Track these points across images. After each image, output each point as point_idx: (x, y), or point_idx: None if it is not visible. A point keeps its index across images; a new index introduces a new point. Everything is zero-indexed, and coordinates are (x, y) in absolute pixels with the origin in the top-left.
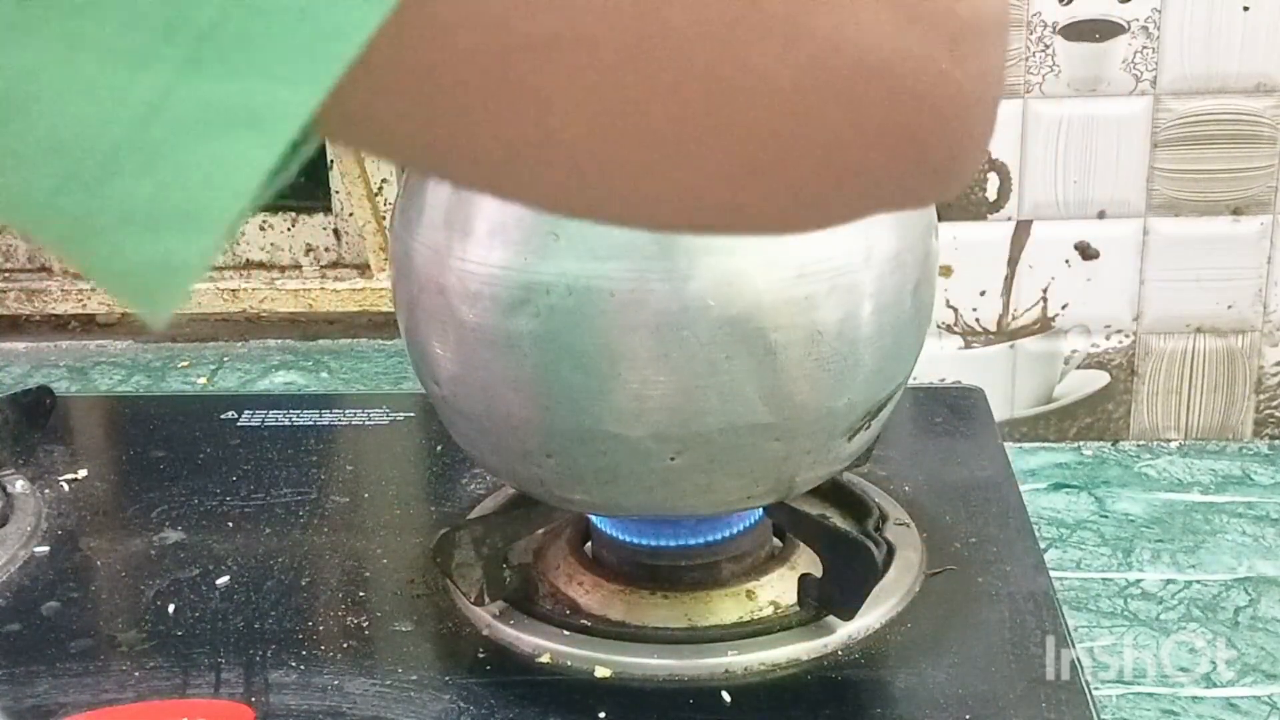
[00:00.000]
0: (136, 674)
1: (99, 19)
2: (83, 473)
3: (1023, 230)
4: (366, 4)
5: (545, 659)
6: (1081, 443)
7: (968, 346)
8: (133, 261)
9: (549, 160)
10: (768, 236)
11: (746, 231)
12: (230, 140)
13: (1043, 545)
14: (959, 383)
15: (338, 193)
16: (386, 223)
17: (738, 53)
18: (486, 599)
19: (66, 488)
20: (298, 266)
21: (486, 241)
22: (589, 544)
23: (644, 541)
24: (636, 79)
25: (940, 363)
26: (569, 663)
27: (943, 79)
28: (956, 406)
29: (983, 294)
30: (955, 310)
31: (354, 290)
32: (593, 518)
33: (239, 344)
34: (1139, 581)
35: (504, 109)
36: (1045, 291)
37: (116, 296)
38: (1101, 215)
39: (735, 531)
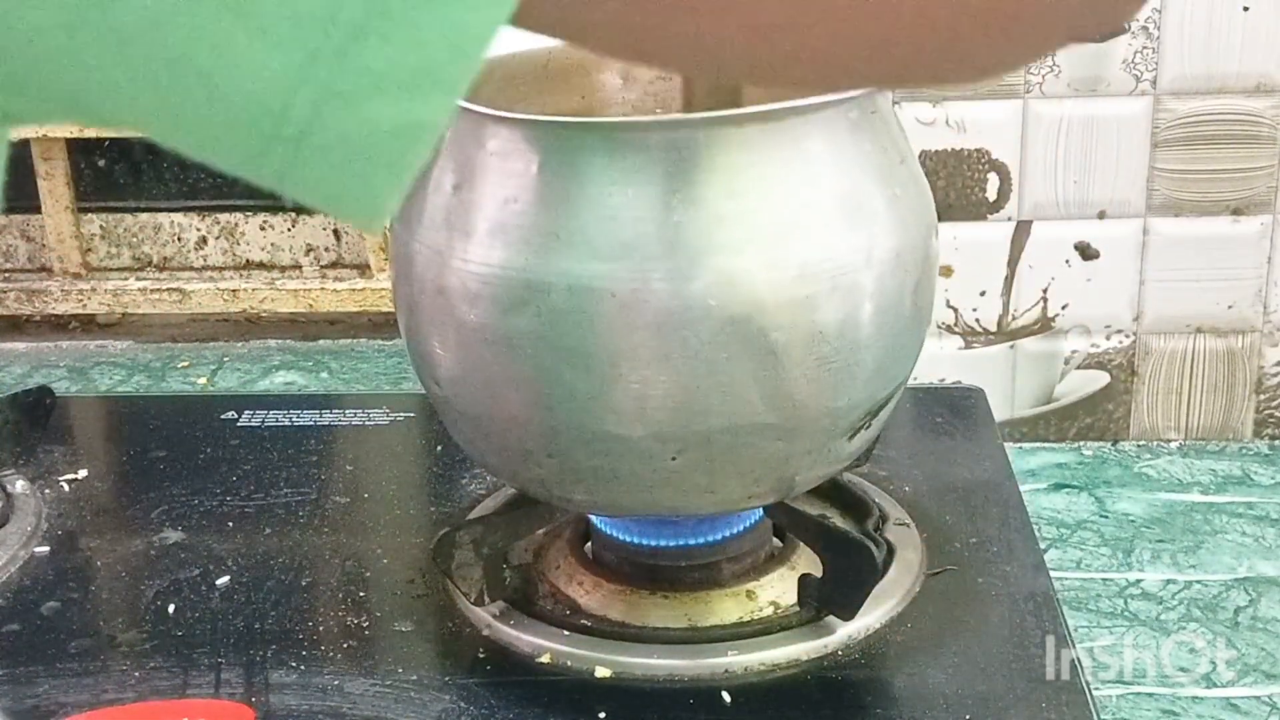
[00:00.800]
0: (136, 674)
1: None
2: (83, 473)
3: (1023, 230)
4: None
5: (545, 659)
6: (1081, 443)
7: (968, 346)
8: (373, 135)
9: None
10: (983, 80)
11: (966, 79)
12: (460, 4)
13: (1043, 545)
14: (959, 383)
15: None
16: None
17: None
18: (487, 599)
19: (66, 488)
20: (298, 266)
21: (487, 241)
22: (589, 544)
23: (644, 541)
24: None
25: (940, 363)
26: (569, 663)
27: None
28: (956, 406)
29: (983, 294)
30: (955, 310)
31: (354, 290)
32: (593, 518)
33: (239, 344)
34: (1139, 582)
35: None
36: (1045, 291)
37: (338, 190)
38: (1102, 215)
39: (735, 532)
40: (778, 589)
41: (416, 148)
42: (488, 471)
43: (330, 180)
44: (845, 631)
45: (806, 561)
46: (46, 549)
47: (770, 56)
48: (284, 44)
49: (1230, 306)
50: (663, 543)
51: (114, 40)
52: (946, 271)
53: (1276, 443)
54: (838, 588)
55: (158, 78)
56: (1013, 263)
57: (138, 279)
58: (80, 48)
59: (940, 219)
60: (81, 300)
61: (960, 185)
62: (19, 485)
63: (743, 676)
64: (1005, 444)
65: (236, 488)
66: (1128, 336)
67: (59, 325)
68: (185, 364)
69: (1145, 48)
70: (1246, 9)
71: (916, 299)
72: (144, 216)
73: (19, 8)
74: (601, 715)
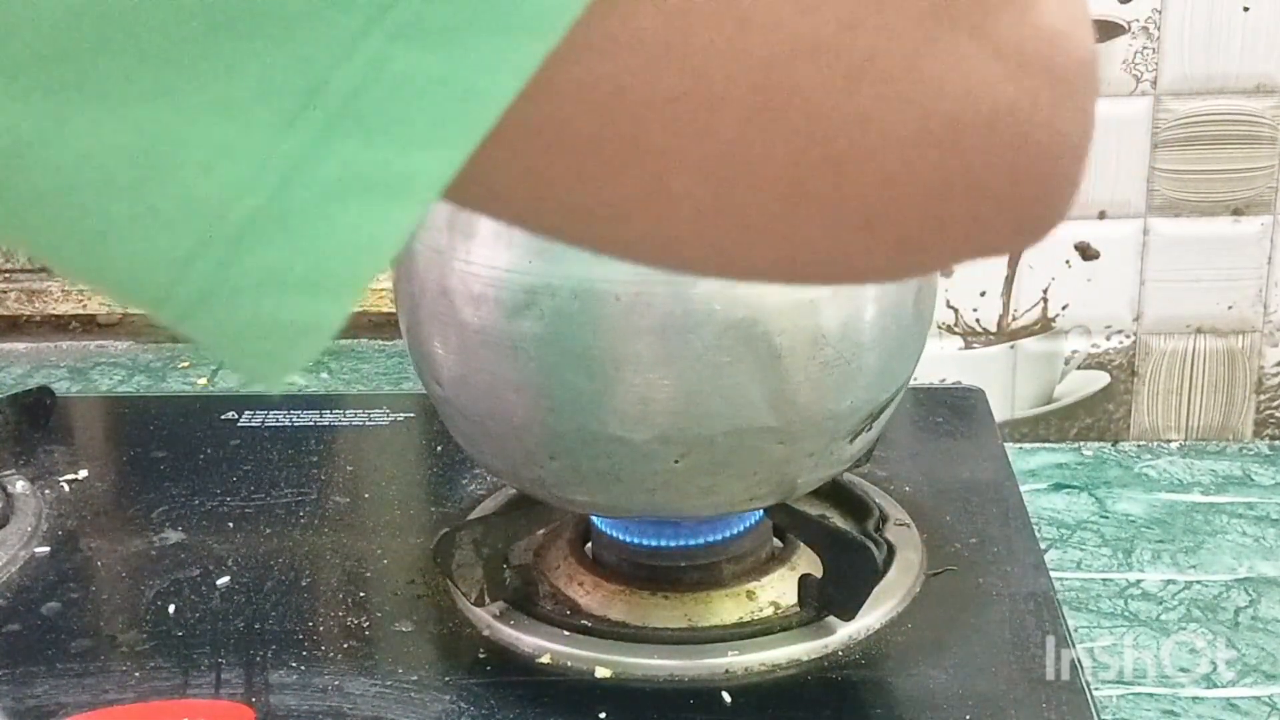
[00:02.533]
0: (137, 674)
1: (240, 85)
2: (83, 473)
3: None
4: (507, 71)
5: (546, 659)
6: (1082, 443)
7: (968, 347)
8: (264, 326)
9: (666, 217)
10: (864, 285)
11: (847, 281)
12: (369, 206)
13: (1043, 546)
14: (959, 383)
15: None
16: None
17: (858, 105)
18: (487, 599)
19: (67, 488)
20: None
21: (491, 244)
22: (589, 545)
23: (644, 542)
24: (760, 137)
25: (941, 363)
26: (569, 663)
27: (1046, 124)
28: (957, 407)
29: (983, 295)
30: (956, 311)
31: None
32: (593, 518)
33: None
34: (1139, 582)
35: (624, 165)
36: (1045, 292)
37: (234, 362)
38: (1102, 216)
39: (736, 532)
40: (778, 589)
41: (312, 342)
42: (488, 472)
43: (220, 351)
44: (845, 632)
45: (807, 562)
46: (47, 549)
47: (694, 244)
48: (174, 228)
49: (1230, 307)
50: (663, 543)
51: (22, 194)
52: (947, 272)
53: (1277, 443)
54: (838, 588)
55: (61, 233)
56: (1013, 263)
57: None
58: None
59: None
60: (82, 300)
61: None
62: (19, 485)
63: (743, 677)
64: (1005, 444)
65: (237, 488)
66: (1128, 337)
67: (59, 325)
68: (185, 364)
69: (1145, 48)
70: (1246, 9)
71: (918, 302)
72: None
73: None
74: (602, 715)
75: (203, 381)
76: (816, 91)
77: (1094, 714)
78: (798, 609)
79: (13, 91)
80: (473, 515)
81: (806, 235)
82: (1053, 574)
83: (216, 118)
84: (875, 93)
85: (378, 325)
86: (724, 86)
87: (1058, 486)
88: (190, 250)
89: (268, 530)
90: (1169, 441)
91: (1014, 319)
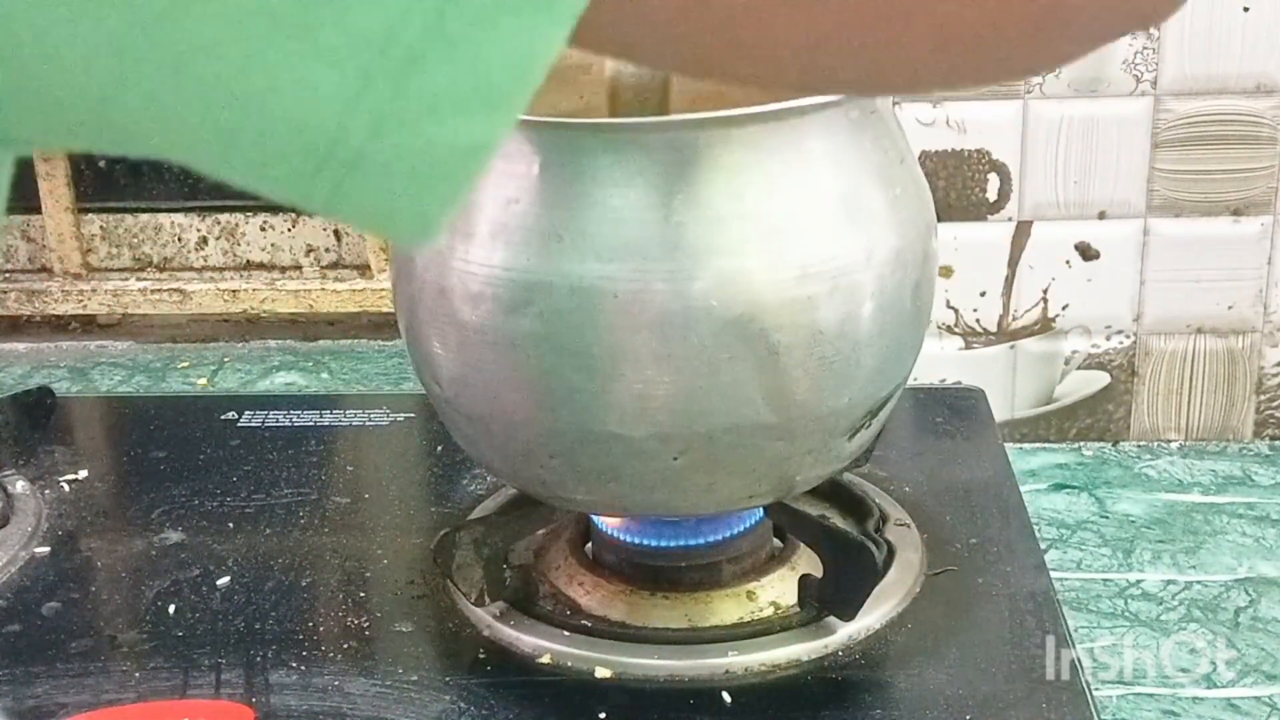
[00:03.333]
0: (137, 674)
1: None
2: (83, 473)
3: (1023, 231)
4: None
5: (546, 659)
6: (1082, 443)
7: (968, 347)
8: (434, 153)
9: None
10: (1027, 75)
11: (1000, 74)
12: (520, 21)
13: (1043, 546)
14: (959, 383)
15: None
16: None
17: None
18: (487, 599)
19: (67, 488)
20: (298, 267)
21: (489, 243)
22: (589, 544)
23: (645, 542)
24: None
25: (941, 363)
26: (569, 663)
27: None
28: (957, 407)
29: (983, 294)
30: (956, 311)
31: (354, 291)
32: (594, 518)
33: (239, 344)
34: (1139, 582)
35: None
36: (1045, 292)
37: (394, 207)
38: (1102, 216)
39: (736, 532)
40: (778, 589)
41: (473, 167)
42: (488, 472)
43: (383, 201)
44: (845, 632)
45: (807, 562)
46: (47, 549)
47: (827, 61)
48: (340, 66)
49: (1230, 307)
50: (663, 543)
51: (165, 66)
52: (947, 272)
53: (1277, 443)
54: (838, 588)
55: (208, 104)
56: (1013, 263)
57: (138, 279)
58: (129, 74)
59: (940, 219)
60: (82, 301)
61: (960, 185)
62: (19, 485)
63: (743, 677)
64: (1005, 444)
65: (237, 488)
66: (1128, 337)
67: (59, 326)
68: (185, 364)
69: (1145, 48)
70: (1247, 9)
71: (916, 299)
72: (144, 217)
73: (66, 32)
74: (602, 716)
75: (203, 381)
76: None
77: (1094, 714)
78: (798, 609)
79: None
80: (473, 515)
81: (958, 13)
82: (1053, 574)
83: None
84: None
85: (378, 325)
86: None
87: (1058, 486)
88: (359, 84)
89: (268, 530)
90: (1169, 442)
91: (1014, 319)
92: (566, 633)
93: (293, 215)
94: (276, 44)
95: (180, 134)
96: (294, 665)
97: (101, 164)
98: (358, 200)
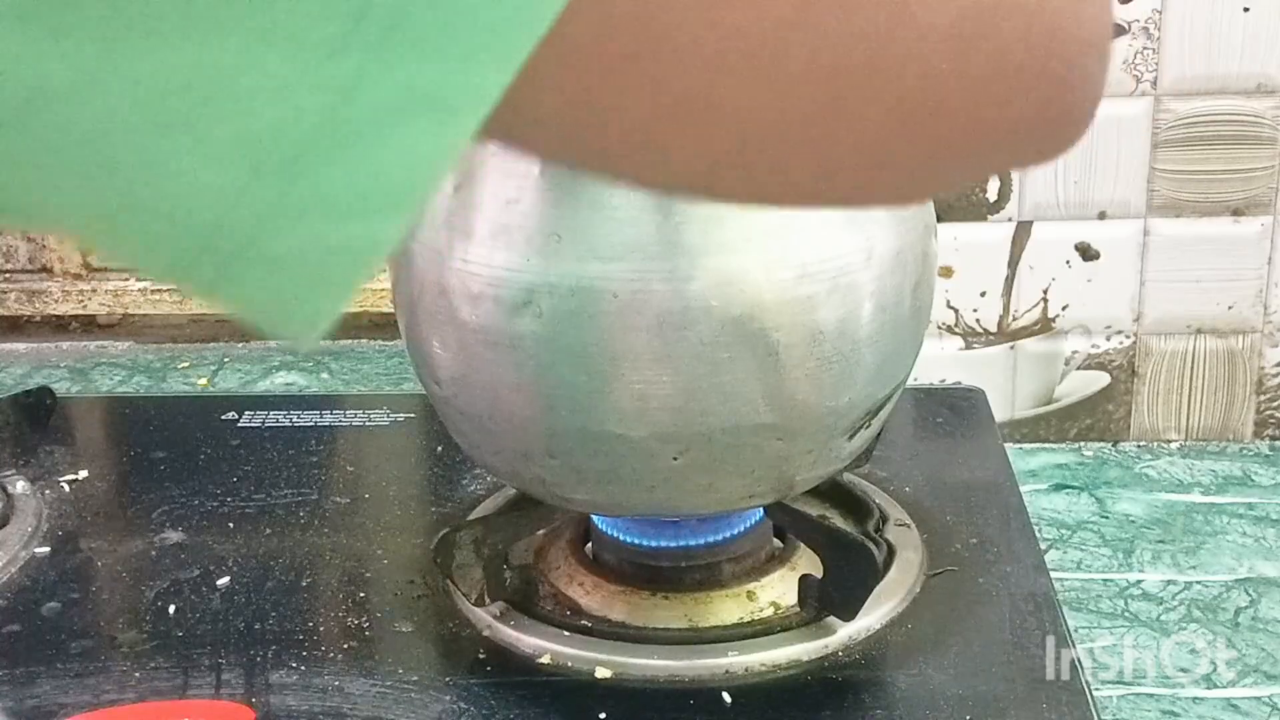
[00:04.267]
0: (137, 674)
1: (290, 10)
2: (83, 473)
3: (1023, 231)
4: None
5: (546, 660)
6: (1082, 443)
7: (968, 347)
8: (320, 253)
9: (709, 132)
10: (906, 204)
11: (882, 199)
12: (421, 123)
13: (1043, 546)
14: (959, 383)
15: None
16: None
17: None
18: (487, 600)
19: (67, 488)
20: None
21: (489, 243)
22: (589, 545)
23: (645, 542)
24: (802, 35)
25: (941, 363)
26: (570, 663)
27: (1077, 16)
28: (957, 407)
29: (983, 295)
30: (956, 311)
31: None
32: (594, 518)
33: (239, 345)
34: (1139, 582)
35: (665, 75)
36: (1046, 292)
37: (278, 306)
38: (1102, 216)
39: (736, 532)
40: (778, 589)
41: (363, 268)
42: (488, 472)
43: (266, 296)
44: (846, 632)
45: (807, 562)
46: (47, 549)
47: (735, 163)
48: (226, 160)
49: (1230, 307)
50: (663, 543)
51: (50, 144)
52: (947, 272)
53: (1277, 443)
54: (838, 588)
55: (90, 184)
56: (1013, 263)
57: (138, 279)
58: (12, 150)
59: (940, 219)
60: (82, 301)
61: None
62: (19, 486)
63: (743, 677)
64: (1005, 444)
65: (237, 488)
66: (1128, 337)
67: (59, 326)
68: (186, 364)
69: (1145, 48)
70: (1247, 9)
71: (916, 299)
72: None
73: None
74: (602, 716)
75: (203, 382)
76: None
77: (1094, 714)
78: (798, 609)
79: (49, 38)
80: (473, 515)
81: (846, 140)
82: (1053, 574)
83: (268, 46)
84: None
85: (378, 325)
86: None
87: (1058, 487)
88: (244, 180)
89: (268, 530)
90: (1169, 442)
91: (1014, 319)
92: (566, 633)
93: None
94: (162, 133)
95: (58, 212)
96: (294, 665)
97: None
98: (237, 292)
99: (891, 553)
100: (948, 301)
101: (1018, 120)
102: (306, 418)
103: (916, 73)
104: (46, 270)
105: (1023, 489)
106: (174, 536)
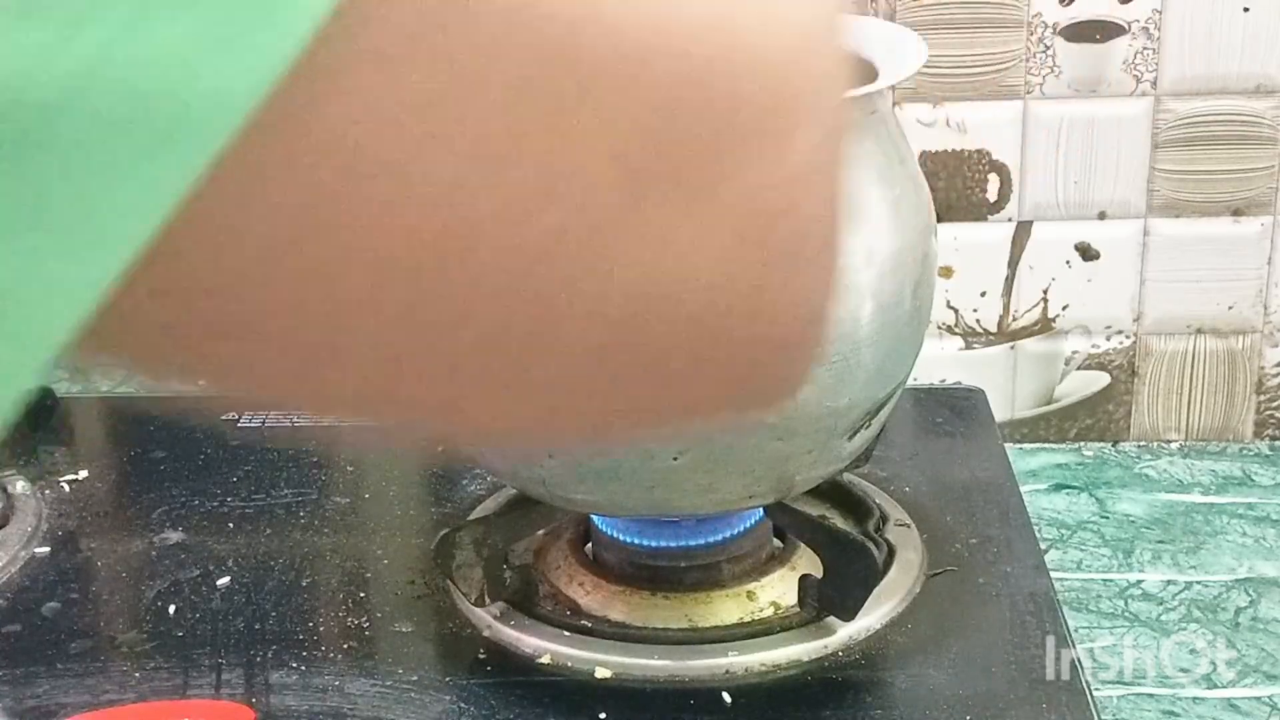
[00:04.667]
0: (137, 674)
1: None
2: (83, 473)
3: (1023, 231)
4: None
5: (546, 660)
6: (1082, 443)
7: (968, 347)
8: None
9: (352, 371)
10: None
11: (561, 443)
12: None
13: (1043, 546)
14: (959, 383)
15: None
16: None
17: (539, 283)
18: (487, 600)
19: (67, 488)
20: None
21: None
22: (589, 545)
23: (644, 542)
24: (431, 312)
25: (941, 363)
26: (569, 663)
27: (767, 299)
28: (957, 407)
29: (983, 295)
30: (956, 311)
31: None
32: (594, 518)
33: None
34: (1139, 582)
35: (283, 332)
36: (1046, 292)
37: None
38: (1102, 216)
39: (736, 532)
40: (778, 589)
41: None
42: (488, 472)
43: None
44: (845, 632)
45: (807, 562)
46: (47, 549)
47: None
48: None
49: (1231, 307)
50: (663, 543)
51: None
52: (947, 272)
53: (1277, 443)
54: (838, 588)
55: None
56: (1013, 263)
57: None
58: None
59: (940, 219)
60: None
61: (960, 186)
62: (19, 485)
63: (743, 677)
64: (1005, 444)
65: (237, 488)
66: (1128, 337)
67: None
68: None
69: (1145, 48)
70: (1247, 9)
71: (916, 299)
72: None
73: None
74: (602, 716)
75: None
76: (492, 268)
77: (1094, 714)
78: (798, 609)
79: None
80: (473, 515)
81: (480, 405)
82: (1053, 574)
83: None
84: (559, 271)
85: None
86: (390, 250)
87: (1058, 487)
88: None
89: (268, 530)
90: (1169, 442)
91: (1014, 319)
92: (566, 633)
93: None
94: None
95: None
96: (294, 665)
97: None
98: None
99: (891, 553)
100: (948, 301)
101: (706, 392)
102: (306, 417)
103: (584, 345)
104: None
105: (1023, 489)
106: (174, 536)
